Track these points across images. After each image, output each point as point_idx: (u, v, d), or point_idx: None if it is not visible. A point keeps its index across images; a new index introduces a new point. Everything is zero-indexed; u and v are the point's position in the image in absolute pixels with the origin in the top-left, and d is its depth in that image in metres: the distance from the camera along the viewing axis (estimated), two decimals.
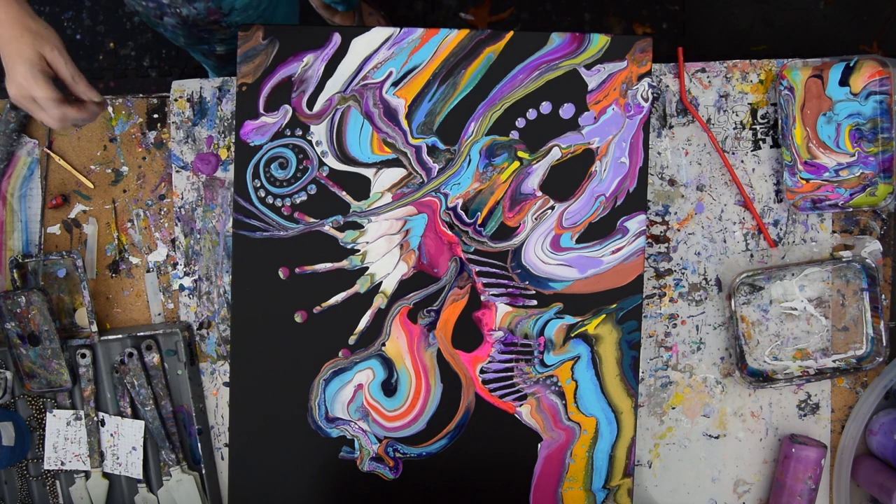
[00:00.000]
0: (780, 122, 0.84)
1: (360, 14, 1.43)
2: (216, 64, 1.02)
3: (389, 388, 0.84)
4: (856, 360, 0.85)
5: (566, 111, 0.82)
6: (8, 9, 0.67)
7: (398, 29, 0.83)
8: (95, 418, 0.87)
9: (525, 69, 0.82)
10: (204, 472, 0.87)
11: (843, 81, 0.81)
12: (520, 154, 0.83)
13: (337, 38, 0.83)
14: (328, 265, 0.83)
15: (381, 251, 0.83)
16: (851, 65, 0.80)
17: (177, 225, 0.88)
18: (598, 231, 0.82)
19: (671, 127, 0.86)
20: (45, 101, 0.69)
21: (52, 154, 0.88)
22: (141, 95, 0.89)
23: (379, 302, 0.83)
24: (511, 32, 0.82)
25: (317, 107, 0.83)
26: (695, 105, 0.86)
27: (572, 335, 0.82)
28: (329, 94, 0.83)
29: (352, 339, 0.84)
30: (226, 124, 0.87)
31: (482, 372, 0.83)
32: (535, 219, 0.83)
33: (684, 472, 0.87)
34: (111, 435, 0.87)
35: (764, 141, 0.86)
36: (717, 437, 0.87)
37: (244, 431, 0.85)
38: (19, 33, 0.67)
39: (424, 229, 0.83)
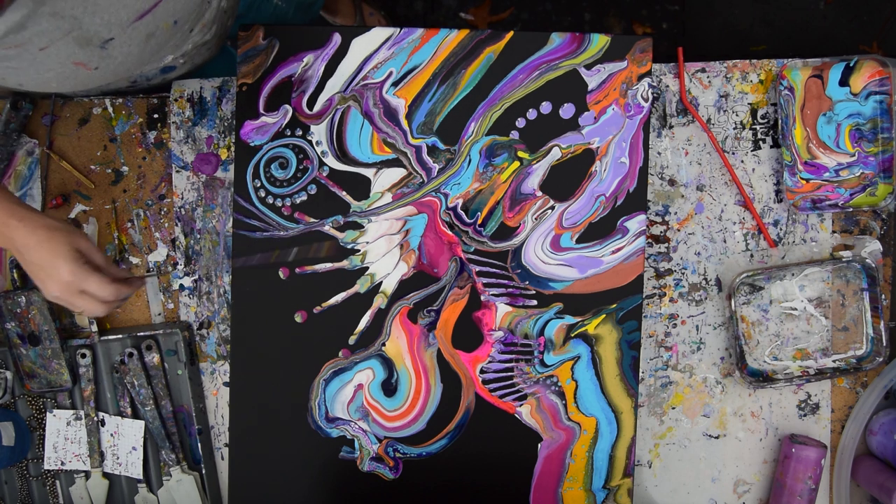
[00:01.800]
0: (780, 122, 0.84)
1: (362, 14, 1.44)
2: (294, 11, 1.01)
3: (389, 388, 0.84)
4: (856, 360, 0.85)
5: (566, 111, 0.82)
6: (30, 216, 0.67)
7: (398, 29, 0.83)
8: (95, 418, 0.87)
9: (525, 69, 0.82)
10: (204, 472, 0.87)
11: (843, 81, 0.81)
12: (520, 154, 0.83)
13: (337, 38, 0.83)
14: (328, 265, 0.83)
15: (381, 251, 0.83)
16: (851, 65, 0.80)
17: (177, 225, 0.88)
18: (598, 231, 0.82)
19: (671, 127, 0.86)
20: (99, 287, 0.68)
21: (52, 154, 0.88)
22: (141, 95, 0.89)
23: (379, 302, 0.83)
24: (511, 32, 0.82)
25: (317, 107, 0.83)
26: (695, 105, 0.86)
27: (572, 335, 0.82)
28: (329, 94, 0.83)
29: (352, 339, 0.84)
30: (226, 124, 0.87)
31: (482, 372, 0.83)
32: (535, 219, 0.83)
33: (684, 472, 0.87)
34: (111, 435, 0.87)
35: (764, 141, 0.86)
36: (717, 437, 0.87)
37: (244, 432, 0.85)
38: (48, 234, 0.67)
39: (424, 229, 0.83)
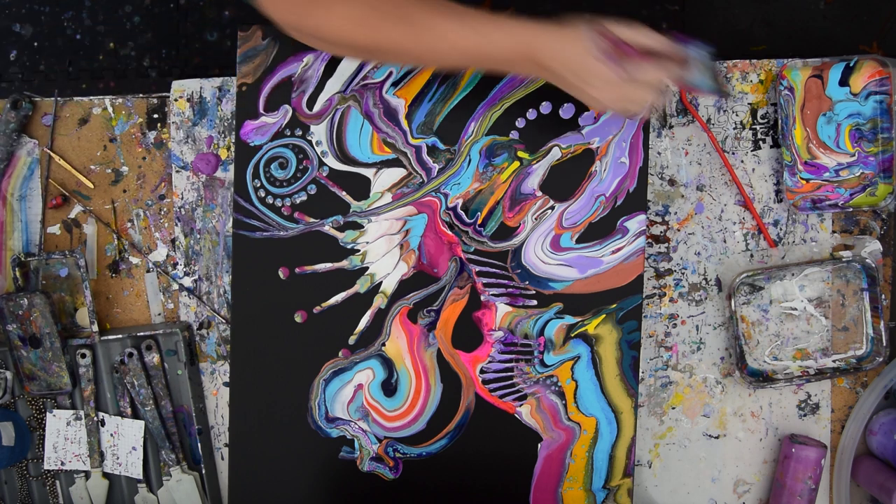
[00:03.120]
0: (780, 122, 0.84)
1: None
2: None
3: (389, 388, 0.84)
4: (856, 360, 0.85)
5: (566, 111, 0.82)
6: (554, 42, 0.62)
7: None
8: (95, 418, 0.87)
9: None
10: (204, 472, 0.87)
11: (843, 81, 0.81)
12: (520, 154, 0.83)
13: None
14: (328, 265, 0.83)
15: (381, 251, 0.83)
16: (851, 65, 0.80)
17: (177, 225, 0.88)
18: (598, 231, 0.82)
19: (671, 127, 0.86)
20: (649, 71, 0.63)
21: (52, 154, 0.88)
22: (141, 95, 0.89)
23: (379, 302, 0.83)
24: None
25: (317, 107, 0.83)
26: (695, 105, 0.86)
27: (572, 335, 0.82)
28: (329, 94, 0.83)
29: (352, 339, 0.84)
30: (226, 124, 0.87)
31: (482, 372, 0.83)
32: (535, 219, 0.83)
33: (684, 472, 0.87)
34: (111, 435, 0.87)
35: (764, 141, 0.86)
36: (717, 437, 0.87)
37: (244, 431, 0.85)
38: (565, 41, 0.63)
39: (424, 229, 0.83)
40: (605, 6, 1.55)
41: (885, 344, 0.84)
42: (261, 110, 0.83)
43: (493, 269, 0.83)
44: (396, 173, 0.83)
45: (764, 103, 0.86)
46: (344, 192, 0.83)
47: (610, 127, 0.82)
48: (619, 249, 0.82)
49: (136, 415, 0.87)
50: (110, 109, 0.88)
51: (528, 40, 0.63)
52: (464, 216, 0.83)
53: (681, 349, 0.86)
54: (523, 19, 0.64)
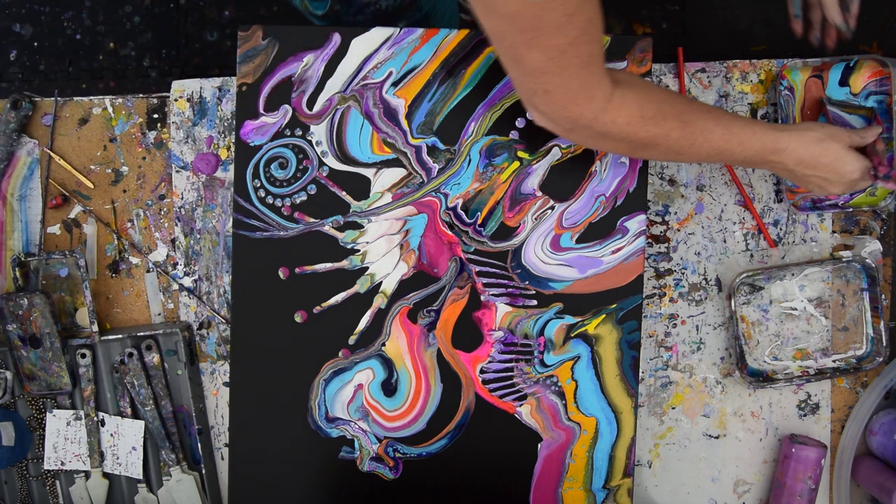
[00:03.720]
0: (780, 122, 0.84)
1: None
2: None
3: (389, 388, 0.84)
4: (856, 360, 0.85)
5: None
6: (795, 138, 0.72)
7: (398, 29, 0.83)
8: (95, 418, 0.87)
9: None
10: (204, 472, 0.87)
11: (843, 81, 0.81)
12: (520, 154, 0.83)
13: (337, 38, 0.83)
14: (328, 265, 0.83)
15: (381, 251, 0.83)
16: (851, 65, 0.80)
17: (177, 225, 0.88)
18: (598, 231, 0.82)
19: None
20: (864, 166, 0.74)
21: (52, 154, 0.88)
22: (141, 95, 0.89)
23: (379, 302, 0.83)
24: None
25: (317, 107, 0.83)
26: None
27: (572, 335, 0.82)
28: (329, 94, 0.83)
29: (352, 339, 0.84)
30: (226, 124, 0.87)
31: (482, 372, 0.83)
32: (535, 219, 0.83)
33: (684, 472, 0.87)
34: (111, 435, 0.87)
35: None
36: (717, 437, 0.87)
37: (244, 432, 0.85)
38: (821, 147, 0.72)
39: (424, 229, 0.83)
40: (605, 6, 1.55)
41: (885, 344, 0.84)
42: (261, 110, 0.83)
43: (493, 269, 0.83)
44: (396, 173, 0.83)
45: (764, 103, 0.86)
46: (344, 192, 0.83)
47: None
48: (619, 249, 0.82)
49: (136, 415, 0.87)
50: (110, 109, 0.88)
51: (774, 145, 0.71)
52: (464, 216, 0.83)
53: (681, 349, 0.86)
54: (767, 122, 0.72)
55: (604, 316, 0.82)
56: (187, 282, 0.88)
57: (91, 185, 0.88)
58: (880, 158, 0.75)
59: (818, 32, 0.84)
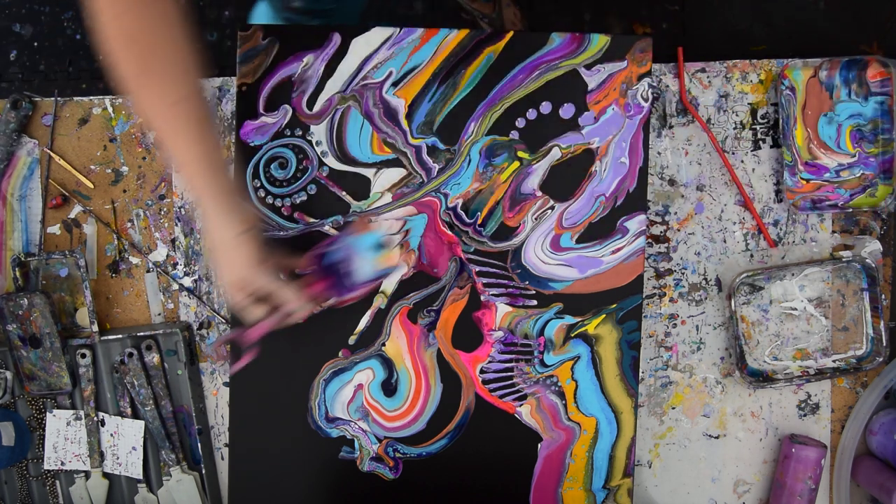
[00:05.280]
0: (780, 122, 0.84)
1: (499, 4, 1.40)
2: (287, 16, 1.02)
3: (389, 388, 0.84)
4: (856, 360, 0.85)
5: (566, 111, 0.82)
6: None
7: (398, 29, 0.83)
8: (95, 418, 0.87)
9: (525, 69, 0.82)
10: (204, 472, 0.87)
11: (850, 80, 0.81)
12: (520, 154, 0.83)
13: (337, 38, 0.83)
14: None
15: None
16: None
17: (177, 225, 0.88)
18: (598, 231, 0.82)
19: (671, 127, 0.86)
20: (250, 320, 0.72)
21: (52, 154, 0.88)
22: None
23: (379, 302, 0.83)
24: (511, 32, 0.82)
25: (317, 107, 0.83)
26: (695, 105, 0.86)
27: (572, 335, 0.82)
28: (329, 94, 0.83)
29: (352, 339, 0.84)
30: (226, 124, 0.87)
31: (482, 372, 0.83)
32: (535, 219, 0.83)
33: (684, 472, 0.87)
34: (111, 435, 0.87)
35: (764, 141, 0.86)
36: (717, 437, 0.87)
37: (244, 431, 0.85)
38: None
39: (424, 229, 0.83)
40: (606, 6, 1.55)
41: (885, 344, 0.84)
42: (261, 110, 0.83)
43: (493, 269, 0.83)
44: (396, 173, 0.83)
45: (764, 103, 0.86)
46: (344, 192, 0.83)
47: (610, 127, 0.82)
48: (619, 249, 0.82)
49: (136, 415, 0.87)
50: (110, 109, 0.88)
51: None
52: (464, 216, 0.83)
53: (681, 349, 0.86)
54: None
55: (604, 316, 0.82)
56: (187, 282, 0.88)
57: (91, 185, 0.88)
58: (264, 330, 0.72)
59: None
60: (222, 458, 0.88)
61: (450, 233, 0.83)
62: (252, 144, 0.83)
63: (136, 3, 0.62)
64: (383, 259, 0.76)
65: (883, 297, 0.84)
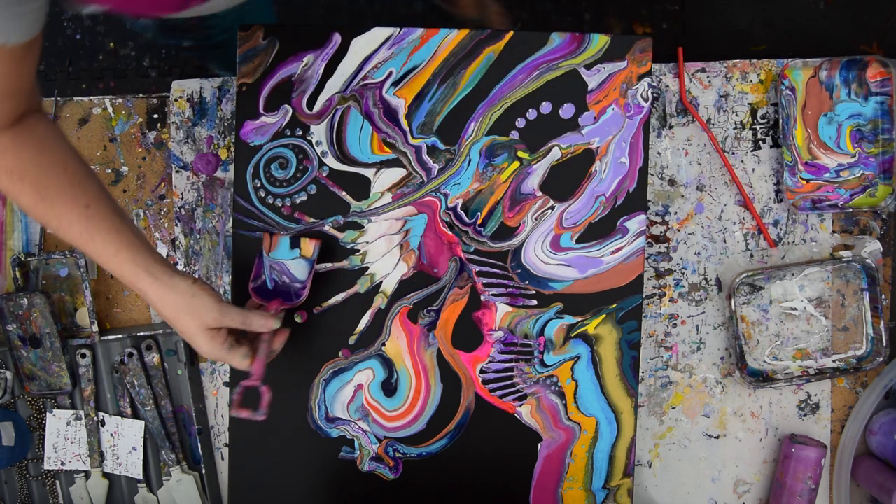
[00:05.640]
0: (780, 122, 0.84)
1: (484, 4, 1.39)
2: (185, 52, 1.02)
3: (389, 388, 0.84)
4: (856, 360, 0.85)
5: (566, 111, 0.82)
6: (156, 290, 0.67)
7: (398, 29, 0.83)
8: (95, 418, 0.87)
9: (525, 69, 0.82)
10: (204, 472, 0.87)
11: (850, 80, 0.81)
12: (520, 154, 0.83)
13: (337, 38, 0.83)
14: (328, 265, 0.83)
15: (381, 251, 0.83)
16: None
17: (177, 225, 0.88)
18: (598, 231, 0.82)
19: (671, 127, 0.86)
20: (240, 363, 0.71)
21: None
22: (141, 95, 0.89)
23: (379, 302, 0.83)
24: (511, 32, 0.82)
25: (317, 107, 0.83)
26: (695, 105, 0.86)
27: (572, 335, 0.82)
28: (329, 94, 0.83)
29: (352, 339, 0.84)
30: (226, 124, 0.87)
31: (482, 372, 0.83)
32: (535, 219, 0.83)
33: (684, 472, 0.87)
34: (111, 435, 0.87)
35: (764, 141, 0.86)
36: (717, 437, 0.87)
37: (244, 431, 0.85)
38: (175, 316, 0.67)
39: (424, 229, 0.83)
40: (606, 6, 1.55)
41: (885, 344, 0.84)
42: (261, 110, 0.83)
43: (493, 269, 0.83)
44: (396, 173, 0.83)
45: (764, 103, 0.86)
46: (344, 192, 0.83)
47: (610, 127, 0.82)
48: (619, 249, 0.82)
49: (136, 415, 0.87)
50: (110, 109, 0.88)
51: (134, 282, 0.67)
52: (464, 216, 0.83)
53: (681, 349, 0.86)
54: (151, 254, 0.67)
55: (604, 316, 0.82)
56: None
57: None
58: (261, 365, 0.72)
59: None
60: (222, 458, 0.88)
61: (450, 233, 0.83)
62: (252, 144, 0.83)
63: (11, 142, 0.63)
64: (304, 252, 0.80)
65: (883, 297, 0.84)
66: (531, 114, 0.82)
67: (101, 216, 0.65)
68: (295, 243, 0.80)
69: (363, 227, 0.83)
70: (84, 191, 0.65)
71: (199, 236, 0.88)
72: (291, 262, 0.80)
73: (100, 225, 0.65)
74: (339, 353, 0.84)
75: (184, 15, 0.70)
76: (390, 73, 0.83)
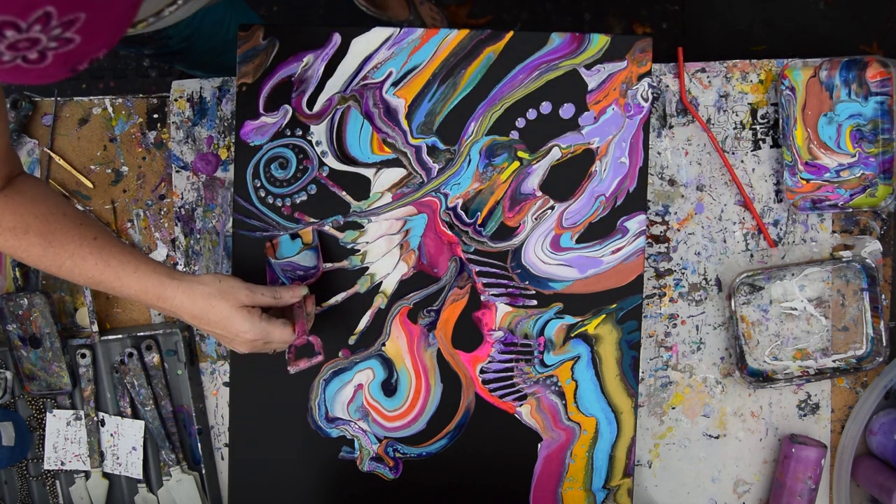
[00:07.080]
0: (780, 122, 0.84)
1: (415, 6, 1.38)
2: (149, 59, 1.00)
3: (389, 388, 0.84)
4: (856, 360, 0.85)
5: (566, 111, 0.82)
6: (182, 289, 0.68)
7: (398, 29, 0.83)
8: (95, 418, 0.87)
9: (525, 69, 0.82)
10: (204, 472, 0.87)
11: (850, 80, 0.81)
12: (520, 154, 0.83)
13: (337, 38, 0.83)
14: (328, 265, 0.83)
15: (381, 251, 0.83)
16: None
17: (177, 225, 0.88)
18: (598, 231, 0.82)
19: (671, 127, 0.86)
20: (281, 333, 0.72)
21: (52, 154, 0.88)
22: (141, 95, 0.89)
23: (379, 302, 0.83)
24: (511, 32, 0.82)
25: (317, 107, 0.83)
26: (695, 105, 0.86)
27: (572, 335, 0.82)
28: (329, 94, 0.83)
29: (352, 339, 0.84)
30: (226, 124, 0.87)
31: (482, 372, 0.83)
32: (535, 219, 0.83)
33: (684, 472, 0.87)
34: (111, 435, 0.87)
35: (764, 141, 0.86)
36: (717, 437, 0.87)
37: (244, 432, 0.85)
38: (206, 305, 0.68)
39: (424, 229, 0.83)
40: (606, 6, 1.55)
41: (885, 344, 0.84)
42: (261, 110, 0.83)
43: (493, 269, 0.83)
44: (396, 173, 0.83)
45: (764, 103, 0.86)
46: (344, 192, 0.83)
47: (610, 127, 0.82)
48: (619, 249, 0.82)
49: (136, 415, 0.87)
50: (110, 109, 0.88)
51: (158, 292, 0.68)
52: (464, 216, 0.83)
53: (681, 349, 0.86)
54: (164, 266, 0.69)
55: (604, 316, 0.82)
56: None
57: (91, 185, 0.88)
58: (303, 325, 0.73)
59: None
60: (222, 458, 0.88)
61: (450, 233, 0.83)
62: (252, 144, 0.83)
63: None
64: (306, 241, 0.82)
65: (883, 297, 0.84)
66: (531, 114, 0.82)
67: (111, 244, 0.68)
68: (294, 236, 0.82)
69: (363, 227, 0.83)
70: (88, 227, 0.68)
71: (199, 236, 0.88)
72: (298, 257, 0.81)
73: (112, 250, 0.67)
74: (340, 353, 0.84)
75: (135, 32, 0.70)
76: (390, 73, 0.83)
